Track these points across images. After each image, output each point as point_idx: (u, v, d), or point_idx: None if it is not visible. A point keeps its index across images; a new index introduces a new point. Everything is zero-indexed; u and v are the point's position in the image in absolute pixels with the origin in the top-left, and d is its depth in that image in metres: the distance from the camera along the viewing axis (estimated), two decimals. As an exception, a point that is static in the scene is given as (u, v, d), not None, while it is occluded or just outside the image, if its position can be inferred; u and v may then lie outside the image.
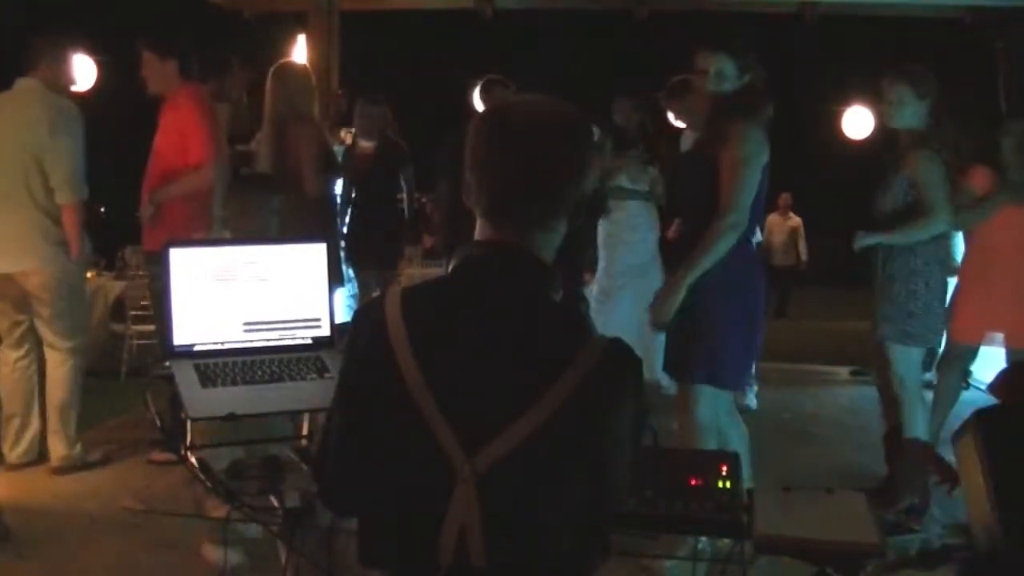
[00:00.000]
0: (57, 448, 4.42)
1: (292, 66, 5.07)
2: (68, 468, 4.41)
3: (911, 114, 3.81)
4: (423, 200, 7.97)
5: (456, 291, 1.52)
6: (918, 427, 3.78)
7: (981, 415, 2.37)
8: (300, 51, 7.03)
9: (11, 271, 4.34)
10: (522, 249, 1.50)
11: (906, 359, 3.79)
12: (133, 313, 7.24)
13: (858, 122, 9.48)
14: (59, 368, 4.44)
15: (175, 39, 4.61)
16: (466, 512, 1.40)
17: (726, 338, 3.23)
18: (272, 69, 4.87)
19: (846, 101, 9.65)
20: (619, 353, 1.47)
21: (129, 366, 7.05)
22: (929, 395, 4.51)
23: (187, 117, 4.42)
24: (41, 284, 4.34)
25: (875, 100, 4.15)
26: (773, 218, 12.94)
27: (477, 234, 1.54)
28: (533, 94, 1.58)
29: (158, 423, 2.16)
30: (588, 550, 1.49)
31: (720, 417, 3.36)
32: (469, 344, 1.45)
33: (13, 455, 4.45)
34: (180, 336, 2.26)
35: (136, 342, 7.19)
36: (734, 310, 3.24)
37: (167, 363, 2.21)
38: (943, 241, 3.87)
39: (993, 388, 4.53)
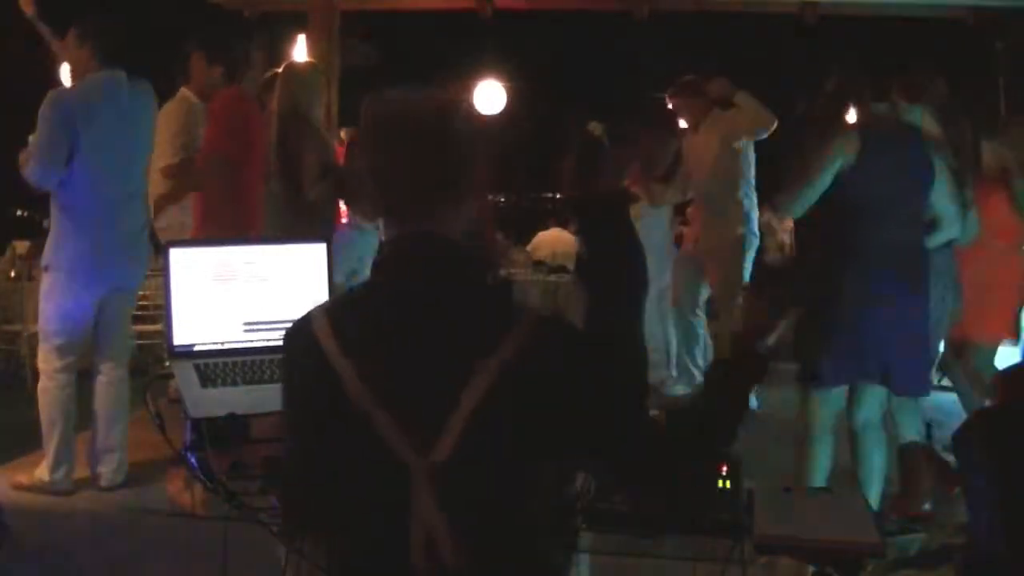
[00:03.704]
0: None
1: (296, 66, 5.07)
2: (28, 487, 4.01)
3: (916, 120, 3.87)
4: None
5: (377, 291, 1.49)
6: (911, 430, 3.79)
7: (981, 415, 2.38)
8: (300, 51, 7.02)
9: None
10: (433, 236, 1.46)
11: None
12: (133, 313, 7.22)
13: (858, 122, 9.43)
14: (47, 381, 4.10)
15: (226, 45, 4.75)
16: (429, 513, 1.37)
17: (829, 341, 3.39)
18: (281, 69, 4.94)
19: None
20: (554, 323, 1.44)
21: (129, 366, 7.02)
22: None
23: (216, 110, 4.60)
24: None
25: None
26: (774, 218, 12.88)
27: (383, 234, 1.53)
28: (407, 87, 1.51)
29: (158, 423, 2.16)
30: (566, 542, 1.46)
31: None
32: (401, 341, 1.42)
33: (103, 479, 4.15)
34: (180, 336, 2.26)
35: (136, 342, 7.18)
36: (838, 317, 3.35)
37: (167, 362, 2.21)
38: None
39: (993, 388, 4.50)
